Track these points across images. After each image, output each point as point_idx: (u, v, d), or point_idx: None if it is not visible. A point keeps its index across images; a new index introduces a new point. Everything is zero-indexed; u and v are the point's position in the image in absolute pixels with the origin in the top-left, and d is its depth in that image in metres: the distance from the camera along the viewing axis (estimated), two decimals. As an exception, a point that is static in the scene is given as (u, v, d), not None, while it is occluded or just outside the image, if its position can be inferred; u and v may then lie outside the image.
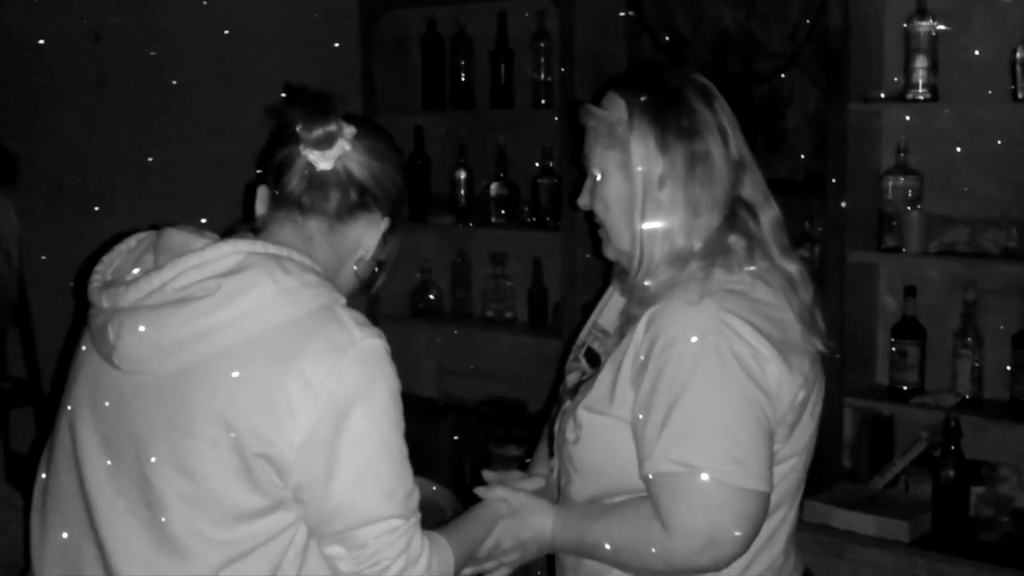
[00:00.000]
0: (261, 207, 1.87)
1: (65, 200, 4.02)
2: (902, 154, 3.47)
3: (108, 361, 1.73)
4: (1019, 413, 3.31)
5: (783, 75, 3.73)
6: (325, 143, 1.79)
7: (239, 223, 1.89)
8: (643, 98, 1.95)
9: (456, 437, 4.22)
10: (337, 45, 4.40)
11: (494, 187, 4.29)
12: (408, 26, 4.52)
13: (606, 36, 4.00)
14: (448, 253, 4.57)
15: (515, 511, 2.04)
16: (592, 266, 3.71)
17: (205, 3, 4.09)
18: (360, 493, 1.70)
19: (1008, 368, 3.35)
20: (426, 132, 4.47)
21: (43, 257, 3.78)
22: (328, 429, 1.66)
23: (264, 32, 4.26)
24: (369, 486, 1.71)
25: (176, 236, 1.79)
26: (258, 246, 1.74)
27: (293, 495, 1.70)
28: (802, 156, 3.71)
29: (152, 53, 4.04)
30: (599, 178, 1.99)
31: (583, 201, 2.04)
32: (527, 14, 4.21)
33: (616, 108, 1.97)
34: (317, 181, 1.81)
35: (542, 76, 4.17)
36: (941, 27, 3.37)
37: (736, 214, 1.96)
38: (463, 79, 4.39)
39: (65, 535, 1.78)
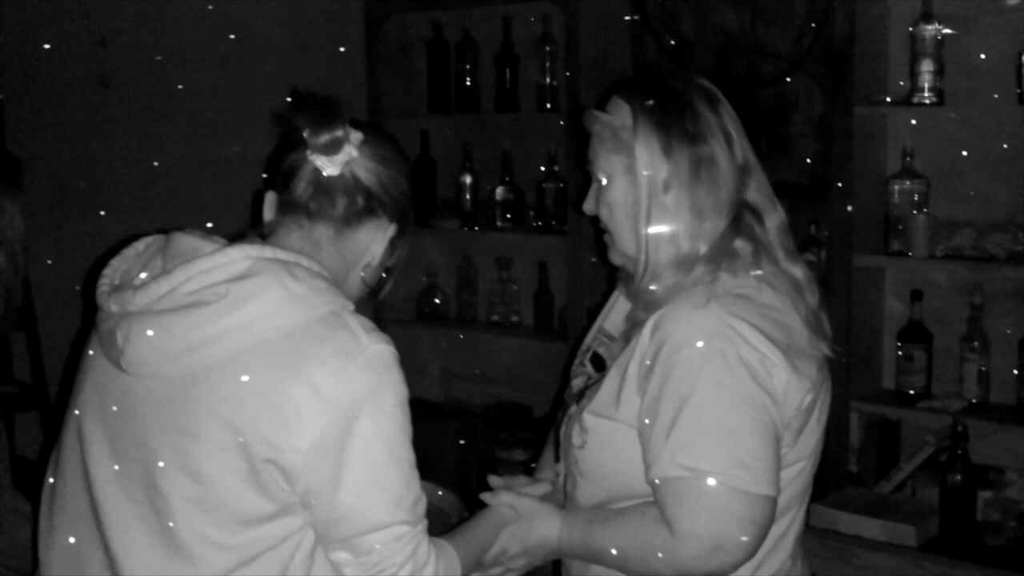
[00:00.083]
0: (269, 212, 1.87)
1: (70, 204, 4.02)
2: (908, 158, 3.47)
3: (116, 365, 1.73)
4: (1026, 417, 3.31)
5: (788, 79, 3.72)
6: (332, 149, 1.80)
7: (247, 228, 1.89)
8: (647, 103, 1.95)
9: (462, 441, 4.22)
10: (342, 49, 4.40)
11: (499, 191, 4.29)
12: (413, 30, 4.52)
13: (611, 40, 4.00)
14: (453, 257, 4.57)
15: (521, 517, 2.04)
16: (598, 270, 3.70)
17: (210, 7, 4.09)
18: (367, 499, 1.70)
19: (1015, 372, 3.35)
20: (431, 136, 4.47)
21: (48, 261, 3.78)
22: (336, 435, 1.66)
23: (269, 36, 4.26)
24: (376, 492, 1.71)
25: (185, 240, 1.80)
26: (267, 251, 1.74)
27: (301, 500, 1.70)
28: (808, 160, 3.70)
29: (157, 57, 4.05)
30: (604, 183, 1.99)
31: (588, 206, 2.04)
32: (532, 18, 4.21)
33: (620, 113, 1.97)
34: (324, 187, 1.81)
35: (547, 80, 4.17)
36: (947, 31, 3.37)
37: (741, 218, 1.96)
38: (468, 83, 4.39)
39: (72, 539, 1.78)
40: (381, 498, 1.71)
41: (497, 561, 2.02)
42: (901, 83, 3.48)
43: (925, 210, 3.44)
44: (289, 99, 1.84)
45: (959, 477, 3.29)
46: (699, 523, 1.81)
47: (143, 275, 1.79)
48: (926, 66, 3.36)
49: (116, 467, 1.73)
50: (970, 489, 3.30)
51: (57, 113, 4.03)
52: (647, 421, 1.86)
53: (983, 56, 3.38)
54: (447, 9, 4.39)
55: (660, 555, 1.84)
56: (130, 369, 1.71)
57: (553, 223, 4.14)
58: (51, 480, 1.85)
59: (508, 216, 4.29)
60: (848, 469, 3.55)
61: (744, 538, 1.81)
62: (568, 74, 3.95)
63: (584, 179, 2.07)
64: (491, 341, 4.50)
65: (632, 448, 1.89)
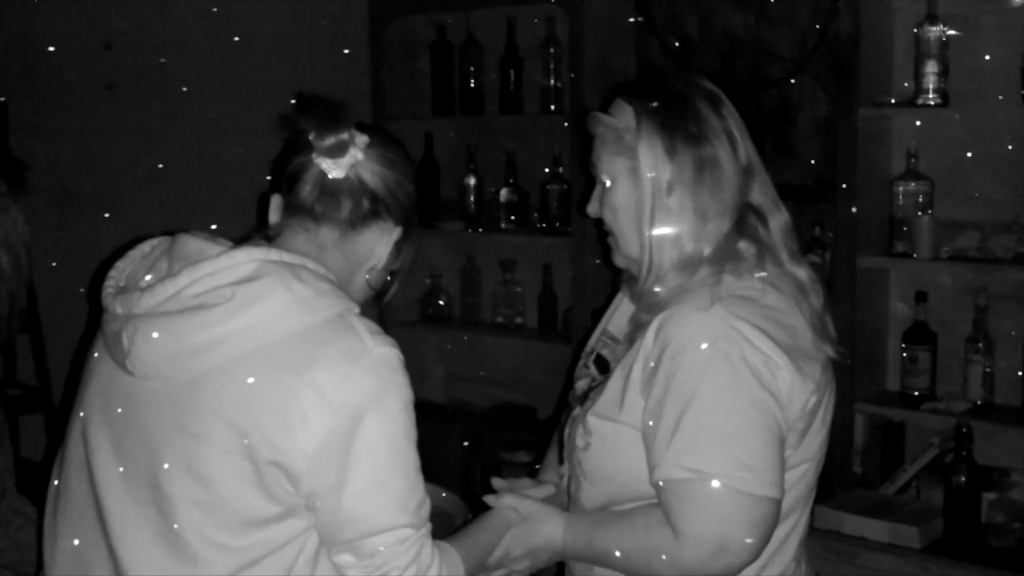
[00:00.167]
0: (274, 215, 1.88)
1: (74, 206, 4.02)
2: (912, 159, 3.46)
3: (121, 367, 1.73)
4: (1030, 419, 3.31)
5: (793, 80, 3.72)
6: (338, 151, 1.80)
7: (252, 231, 1.89)
8: (651, 105, 1.95)
9: (465, 443, 4.21)
10: (346, 52, 4.40)
11: (503, 193, 4.29)
12: (417, 32, 4.52)
13: (615, 42, 4.00)
14: (457, 259, 4.57)
15: (525, 519, 2.03)
16: (602, 272, 3.71)
17: (214, 10, 4.09)
18: (371, 502, 1.70)
19: (1020, 374, 3.35)
20: (435, 138, 4.47)
21: (53, 264, 3.78)
22: (340, 438, 1.67)
23: (272, 38, 4.26)
24: (381, 495, 1.71)
25: (191, 243, 1.80)
26: (272, 254, 1.74)
27: (305, 503, 1.70)
28: (812, 161, 3.70)
29: (161, 60, 4.04)
30: (607, 185, 1.99)
31: (592, 209, 2.04)
32: (536, 20, 4.22)
33: (624, 115, 1.97)
34: (329, 189, 1.81)
35: (551, 82, 4.18)
36: (951, 32, 3.37)
37: (745, 220, 1.96)
38: (472, 85, 4.39)
39: (76, 541, 1.79)
40: (385, 501, 1.71)
41: (501, 564, 2.02)
42: (905, 84, 3.48)
43: (929, 211, 3.43)
44: (294, 101, 1.84)
45: (963, 479, 3.29)
46: (703, 525, 1.81)
47: (148, 277, 1.79)
48: (930, 67, 3.36)
49: (121, 469, 1.74)
50: (974, 491, 3.30)
51: (61, 115, 4.03)
52: (651, 423, 1.86)
53: (987, 57, 3.38)
54: (451, 11, 4.39)
55: (664, 557, 1.84)
56: (135, 371, 1.71)
57: (557, 225, 4.15)
58: (56, 482, 1.85)
59: (512, 218, 4.29)
60: (852, 471, 3.55)
61: (748, 540, 1.81)
62: (572, 76, 3.95)
63: (588, 181, 2.07)
64: (495, 343, 4.51)
65: (636, 450, 1.89)
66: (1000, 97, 3.35)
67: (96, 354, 1.83)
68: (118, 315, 1.75)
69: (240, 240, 1.84)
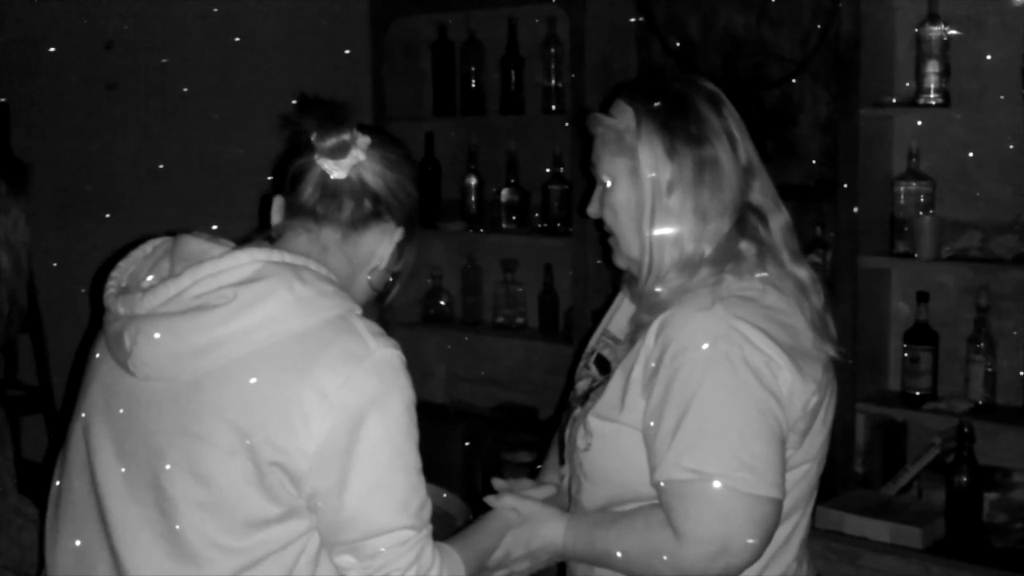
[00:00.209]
0: (277, 216, 1.88)
1: (75, 207, 4.02)
2: (914, 159, 3.46)
3: (123, 368, 1.73)
4: (1032, 419, 3.31)
5: (794, 80, 3.72)
6: (339, 152, 1.80)
7: (254, 232, 1.89)
8: (651, 105, 1.95)
9: (467, 443, 4.22)
10: (347, 52, 4.40)
11: (505, 193, 4.29)
12: (418, 33, 4.52)
13: (616, 42, 4.00)
14: (458, 259, 4.57)
15: (525, 520, 2.03)
16: (603, 272, 3.71)
17: (215, 10, 4.09)
18: (373, 503, 1.70)
19: (1021, 374, 3.35)
20: (436, 138, 4.48)
21: (54, 264, 3.79)
22: (342, 439, 1.66)
23: (273, 39, 4.26)
24: (382, 497, 1.71)
25: (193, 243, 1.80)
26: (275, 255, 1.74)
27: (307, 503, 1.70)
28: (814, 161, 3.70)
29: (163, 60, 4.04)
30: (608, 186, 1.99)
31: (592, 210, 2.04)
32: (537, 20, 4.22)
33: (624, 116, 1.97)
34: (331, 190, 1.82)
35: (552, 82, 4.18)
36: (953, 32, 3.37)
37: (746, 220, 1.96)
38: (473, 85, 4.39)
39: (78, 542, 1.79)
40: (387, 502, 1.71)
41: (501, 564, 2.02)
42: (907, 84, 3.48)
43: (931, 211, 3.43)
44: (295, 102, 1.84)
45: (965, 479, 3.28)
46: (704, 526, 1.81)
47: (151, 277, 1.79)
48: (932, 67, 3.36)
49: (123, 469, 1.74)
50: (976, 491, 3.30)
51: (61, 116, 4.03)
52: (652, 424, 1.85)
53: (989, 57, 3.38)
54: (452, 11, 4.39)
55: (665, 558, 1.84)
56: (137, 371, 1.71)
57: (558, 225, 4.15)
58: (57, 483, 1.85)
59: (513, 218, 4.29)
60: (854, 471, 3.55)
61: (750, 541, 1.80)
62: (573, 76, 3.95)
63: (589, 182, 2.07)
64: (496, 343, 4.51)
65: (637, 451, 1.89)
66: (1001, 97, 3.35)
67: (98, 354, 1.83)
68: (120, 315, 1.74)
69: (242, 241, 1.84)
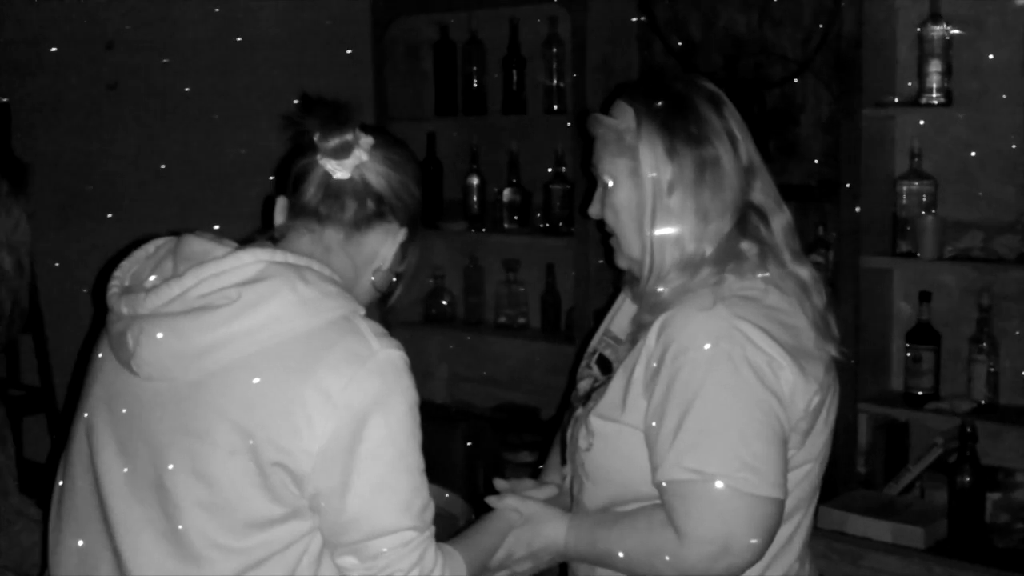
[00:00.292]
0: (280, 216, 1.88)
1: (77, 207, 4.02)
2: (916, 159, 3.46)
3: (126, 367, 1.73)
4: (1035, 419, 3.30)
5: (796, 80, 3.72)
6: (342, 152, 1.80)
7: (257, 232, 1.89)
8: (651, 105, 1.95)
9: (469, 443, 4.20)
10: (349, 52, 4.40)
11: (506, 193, 4.29)
12: (420, 33, 4.52)
13: (618, 42, 4.00)
14: (460, 259, 4.57)
15: (527, 520, 2.03)
16: (605, 272, 3.70)
17: (216, 10, 4.09)
18: (375, 504, 1.70)
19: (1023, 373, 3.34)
20: (438, 138, 4.48)
21: (56, 264, 3.79)
22: (345, 440, 1.66)
23: (276, 39, 4.26)
24: (385, 498, 1.71)
25: (196, 243, 1.79)
26: (278, 255, 1.74)
27: (309, 504, 1.70)
28: (816, 161, 3.70)
29: (163, 60, 4.05)
30: (609, 186, 1.99)
31: (593, 210, 2.04)
32: (539, 20, 4.21)
33: (624, 116, 1.97)
34: (334, 190, 1.82)
35: (554, 82, 4.17)
36: (955, 31, 3.36)
37: (747, 220, 1.95)
38: (475, 85, 4.39)
39: (81, 542, 1.79)
40: (389, 503, 1.71)
41: (503, 565, 2.01)
42: (909, 84, 3.47)
43: (933, 211, 3.43)
44: (297, 102, 1.84)
45: (968, 479, 3.28)
46: (706, 526, 1.80)
47: (154, 277, 1.79)
48: (934, 67, 3.36)
49: (125, 469, 1.74)
50: (979, 491, 3.29)
51: (63, 116, 4.03)
52: (653, 424, 1.85)
53: (991, 57, 3.38)
54: (454, 11, 4.39)
55: (667, 558, 1.84)
56: (140, 371, 1.71)
57: (560, 225, 4.14)
58: (60, 483, 1.85)
59: (515, 218, 4.29)
60: (856, 471, 3.55)
61: (752, 541, 1.80)
62: (575, 76, 3.94)
63: (590, 181, 2.07)
64: (498, 343, 4.51)
65: (638, 451, 1.89)
66: (1004, 96, 3.35)
67: (100, 354, 1.83)
68: (123, 315, 1.74)
69: (245, 241, 1.84)
